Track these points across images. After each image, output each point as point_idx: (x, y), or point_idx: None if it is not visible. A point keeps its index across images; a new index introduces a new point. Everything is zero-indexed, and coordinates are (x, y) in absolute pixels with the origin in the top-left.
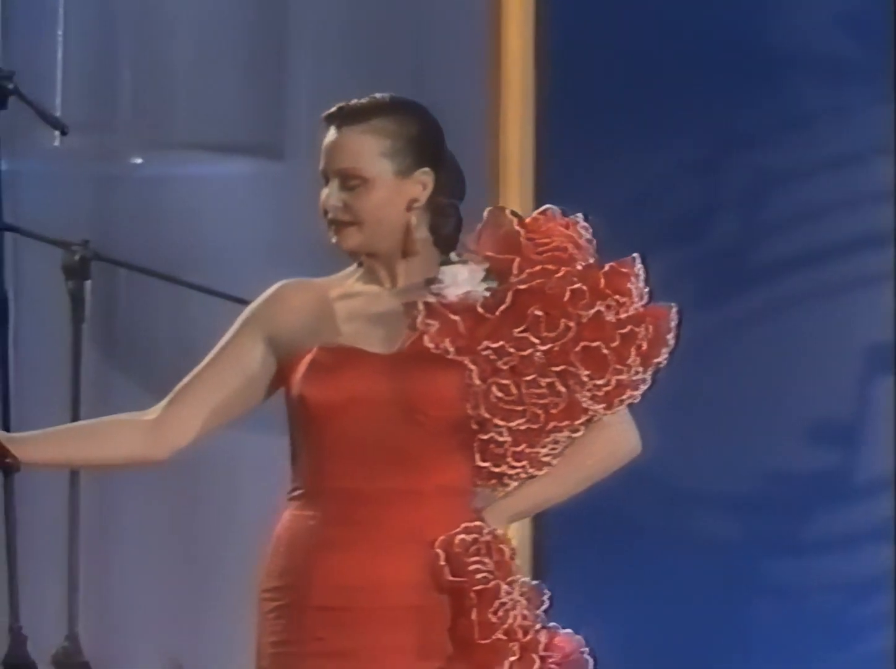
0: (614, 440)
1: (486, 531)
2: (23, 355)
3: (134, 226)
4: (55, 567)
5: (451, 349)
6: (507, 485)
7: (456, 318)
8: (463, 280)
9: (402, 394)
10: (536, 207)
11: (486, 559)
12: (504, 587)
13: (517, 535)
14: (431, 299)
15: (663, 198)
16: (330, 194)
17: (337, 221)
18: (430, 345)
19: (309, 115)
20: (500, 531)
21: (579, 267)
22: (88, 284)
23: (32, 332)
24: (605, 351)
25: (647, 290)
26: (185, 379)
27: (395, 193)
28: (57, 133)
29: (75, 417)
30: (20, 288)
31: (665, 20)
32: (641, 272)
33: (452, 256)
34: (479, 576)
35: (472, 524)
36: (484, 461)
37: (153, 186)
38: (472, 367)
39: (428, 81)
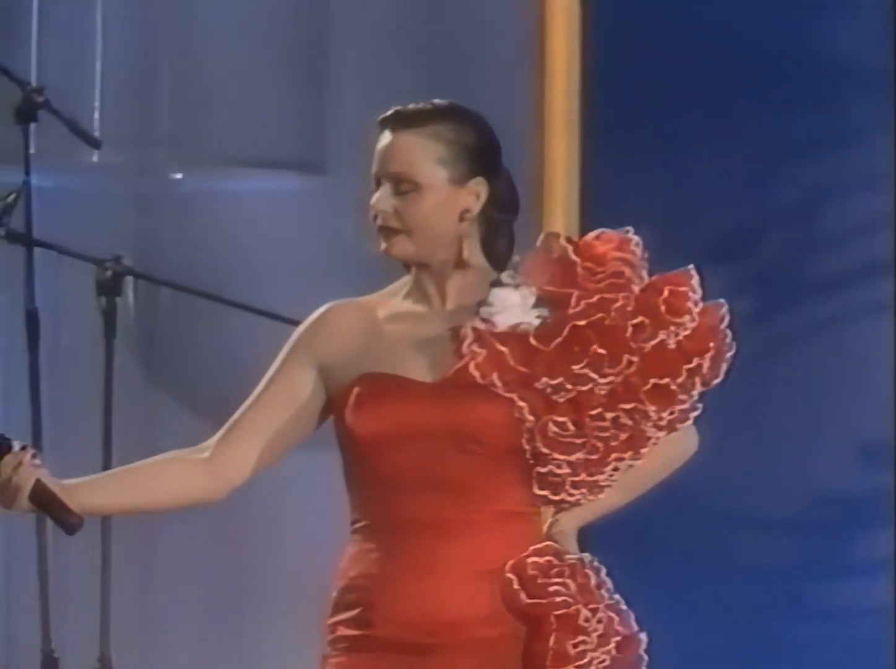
0: (674, 442)
1: (564, 553)
2: (56, 373)
3: (174, 242)
4: (88, 590)
5: (500, 384)
6: (566, 509)
7: (504, 349)
8: (514, 305)
9: (450, 424)
10: (582, 220)
11: (570, 582)
12: (584, 612)
13: None
14: (480, 325)
15: (711, 211)
16: (380, 199)
17: (387, 227)
18: (476, 374)
19: (351, 129)
20: (588, 557)
21: (636, 289)
22: (121, 300)
23: (67, 349)
24: (674, 387)
25: (700, 296)
26: (238, 412)
27: (448, 201)
28: (98, 150)
29: (107, 433)
30: (55, 305)
31: (715, 29)
32: (698, 283)
33: (504, 277)
34: (559, 599)
35: (541, 546)
36: (542, 489)
37: (193, 202)
38: (523, 404)
39: (472, 93)
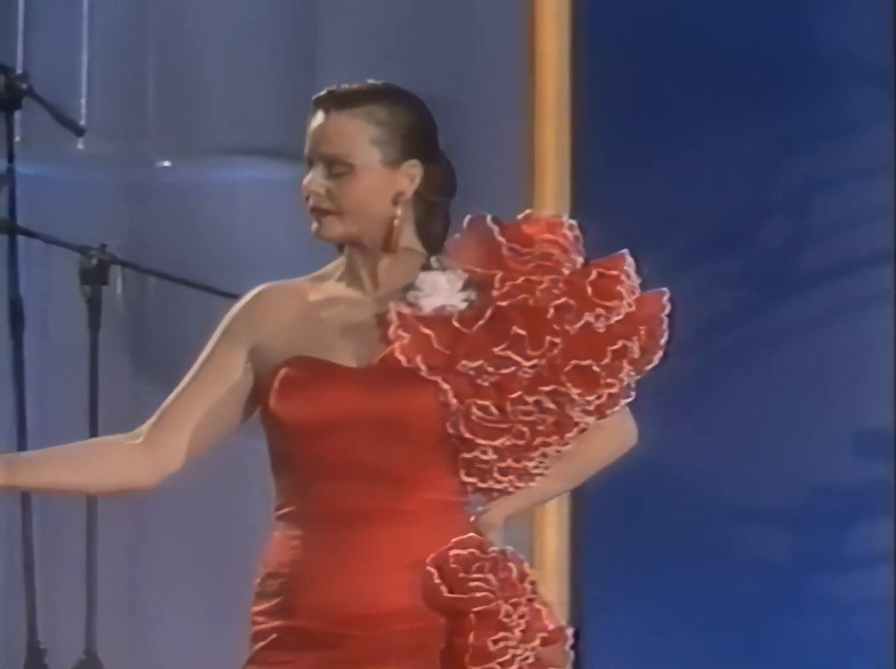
0: (611, 435)
1: (488, 545)
2: (41, 362)
3: (162, 232)
4: (74, 582)
5: (424, 367)
6: (495, 498)
7: (428, 332)
8: (441, 289)
9: (378, 410)
10: (573, 214)
11: (491, 576)
12: (505, 608)
13: (554, 549)
14: (405, 309)
15: (707, 202)
16: (312, 180)
17: (319, 209)
18: (402, 358)
19: None
20: (510, 549)
21: (566, 272)
22: (108, 290)
23: (52, 338)
24: (596, 369)
25: (639, 282)
26: (170, 398)
27: (382, 183)
28: (81, 137)
29: (93, 423)
30: (40, 294)
31: (711, 17)
32: (632, 267)
33: (433, 261)
34: (479, 595)
35: (465, 538)
36: (469, 476)
37: (181, 192)
38: (447, 387)
39: (462, 84)
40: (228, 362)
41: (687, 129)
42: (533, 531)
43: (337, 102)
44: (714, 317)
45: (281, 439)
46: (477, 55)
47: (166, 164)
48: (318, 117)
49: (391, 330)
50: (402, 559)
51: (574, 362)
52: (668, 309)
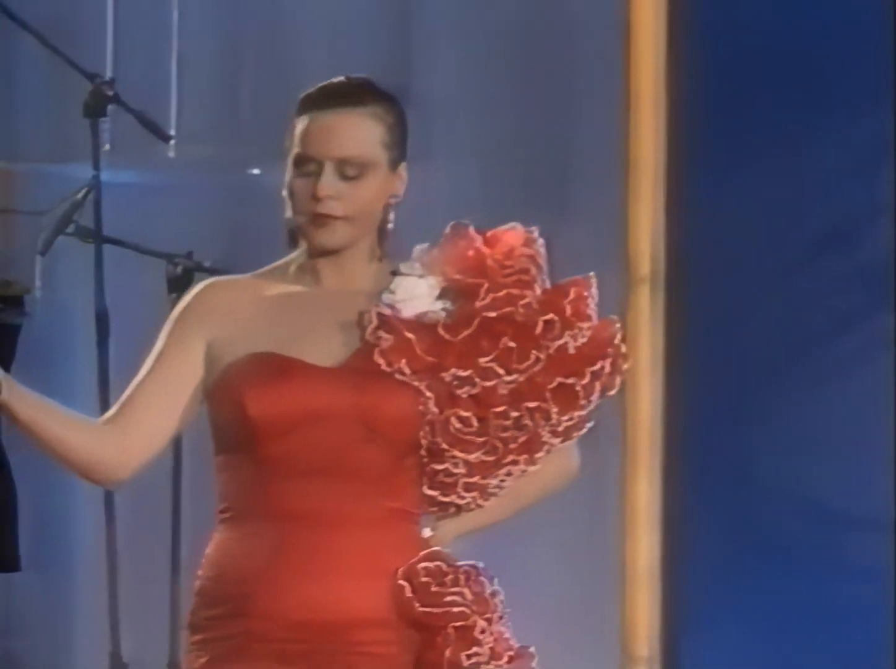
0: (561, 465)
1: (454, 560)
2: (128, 374)
3: (254, 238)
4: (158, 596)
5: (408, 371)
6: (451, 514)
7: (412, 336)
8: (421, 295)
9: (350, 411)
10: (669, 220)
11: (466, 591)
12: (481, 623)
13: (648, 554)
14: (385, 311)
15: (807, 207)
16: (327, 184)
17: (332, 215)
18: (382, 361)
19: (434, 123)
20: (481, 564)
21: (539, 290)
22: None
23: (138, 349)
24: (578, 388)
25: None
26: (129, 391)
27: (385, 186)
28: (172, 144)
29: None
30: (126, 303)
31: (809, 21)
32: (596, 292)
33: (404, 267)
34: (456, 610)
35: (431, 551)
36: (432, 489)
37: (272, 199)
38: (430, 394)
39: (559, 86)
40: (187, 355)
41: (787, 130)
42: (624, 541)
43: (341, 99)
44: (816, 323)
45: (242, 435)
46: (576, 57)
47: (256, 171)
48: (325, 115)
49: (369, 331)
50: (363, 567)
51: (559, 379)
52: (619, 336)
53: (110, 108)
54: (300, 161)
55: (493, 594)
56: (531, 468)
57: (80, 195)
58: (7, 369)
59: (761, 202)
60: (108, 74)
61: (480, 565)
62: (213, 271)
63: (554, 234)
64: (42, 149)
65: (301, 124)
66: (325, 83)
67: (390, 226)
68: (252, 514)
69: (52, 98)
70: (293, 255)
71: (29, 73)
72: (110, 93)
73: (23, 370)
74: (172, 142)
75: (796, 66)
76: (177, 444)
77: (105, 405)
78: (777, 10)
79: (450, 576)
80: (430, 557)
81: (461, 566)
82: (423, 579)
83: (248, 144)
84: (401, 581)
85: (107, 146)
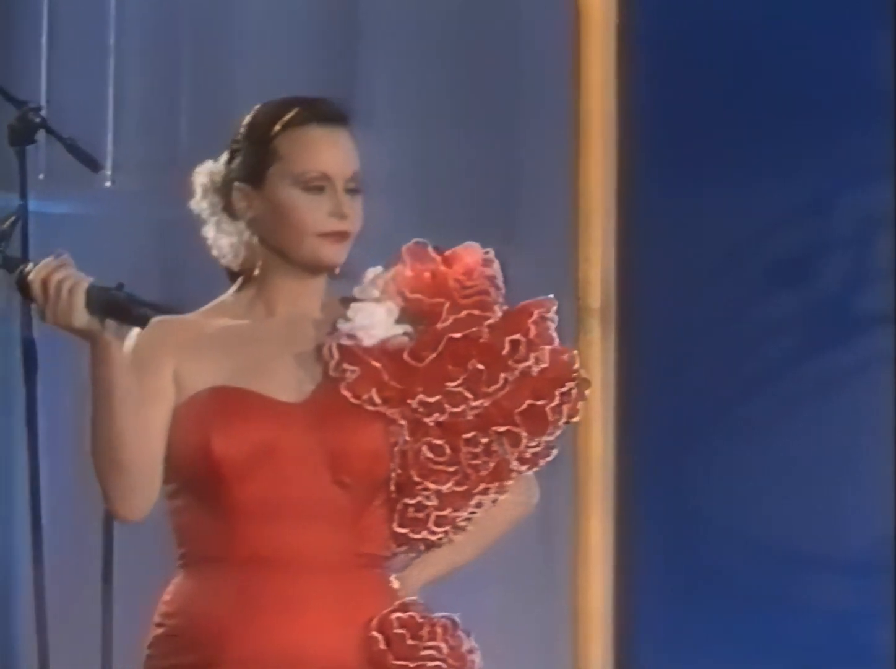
0: (520, 497)
1: (429, 611)
2: (55, 406)
3: (190, 270)
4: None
5: (378, 401)
6: (419, 552)
7: (378, 365)
8: (379, 321)
9: (320, 449)
10: (620, 254)
11: (442, 644)
12: None
13: (603, 598)
14: (345, 341)
15: (761, 243)
16: (346, 201)
17: (347, 233)
18: (349, 394)
19: (372, 150)
20: (457, 617)
21: (498, 311)
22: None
23: (66, 381)
24: (547, 410)
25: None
26: None
27: None
28: (108, 174)
29: None
30: (54, 335)
31: (767, 47)
32: (555, 315)
33: (358, 291)
34: (431, 665)
35: (406, 601)
36: (402, 526)
37: None
38: (403, 422)
39: (509, 108)
40: (162, 387)
41: (739, 159)
42: (577, 582)
43: (339, 118)
44: (769, 360)
45: (202, 474)
46: (523, 78)
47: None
48: (326, 131)
49: (332, 365)
50: (333, 615)
51: (529, 401)
52: (577, 363)
53: (43, 136)
54: (312, 181)
55: (471, 650)
56: (501, 497)
57: (6, 225)
58: None
59: (714, 232)
60: (43, 101)
61: (457, 617)
62: (141, 304)
63: (502, 262)
64: None
65: (305, 138)
66: (304, 98)
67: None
68: (214, 559)
69: None
70: (232, 289)
71: None
72: (38, 119)
73: None
74: (108, 172)
75: (749, 94)
76: None
77: (34, 439)
78: (731, 29)
79: (426, 628)
80: (404, 607)
81: (437, 618)
82: (398, 630)
83: (187, 175)
84: (374, 633)
85: (41, 175)
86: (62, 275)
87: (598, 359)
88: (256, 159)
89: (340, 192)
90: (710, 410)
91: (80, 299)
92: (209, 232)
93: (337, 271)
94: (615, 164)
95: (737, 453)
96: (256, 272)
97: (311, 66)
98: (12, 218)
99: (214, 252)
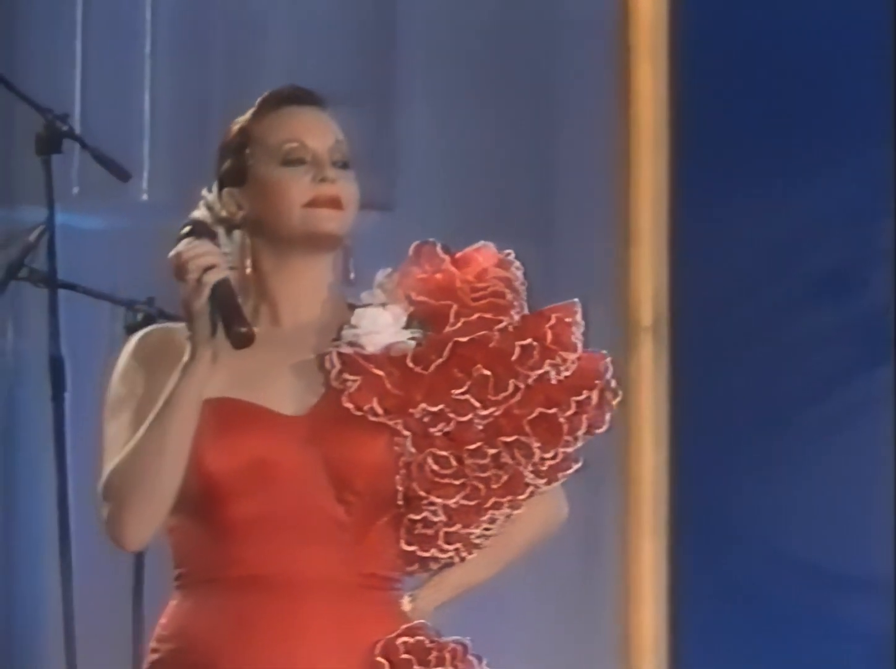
0: (546, 512)
1: (438, 635)
2: (82, 424)
3: None
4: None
5: (380, 411)
6: (430, 570)
7: (381, 373)
8: (385, 326)
9: (321, 464)
10: (671, 269)
11: None
12: None
13: (649, 616)
14: (346, 349)
15: (806, 252)
16: (327, 167)
17: (337, 197)
18: (350, 405)
19: (422, 166)
20: (468, 641)
21: (516, 315)
22: None
23: (94, 400)
24: (562, 419)
25: (582, 338)
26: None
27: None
28: (144, 185)
29: None
30: (84, 352)
31: (812, 60)
32: (581, 320)
33: (365, 296)
34: None
35: (413, 625)
36: (410, 544)
37: None
38: (407, 433)
39: (551, 135)
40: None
41: (792, 170)
42: (626, 606)
43: (309, 98)
44: (820, 375)
45: (196, 491)
46: (565, 98)
47: None
48: (303, 110)
49: (333, 374)
50: (335, 640)
51: (540, 409)
52: (610, 371)
53: (77, 149)
54: (291, 152)
55: None
56: (515, 512)
57: (32, 237)
58: None
59: (766, 244)
60: (77, 112)
61: (468, 642)
62: (172, 318)
63: (546, 279)
64: None
65: (279, 118)
66: (284, 86)
67: (349, 243)
68: (211, 580)
69: (5, 136)
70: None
71: None
72: (64, 127)
73: None
74: (143, 184)
75: (798, 104)
76: None
77: (61, 460)
78: (780, 37)
79: (434, 654)
80: (411, 631)
81: (446, 642)
82: (404, 656)
83: None
84: (379, 658)
85: (75, 189)
86: (206, 260)
87: (649, 376)
88: (236, 156)
89: (325, 161)
90: (762, 426)
91: (207, 288)
92: None
93: (352, 275)
94: (666, 177)
95: (788, 470)
96: (248, 271)
97: (348, 69)
98: (39, 229)
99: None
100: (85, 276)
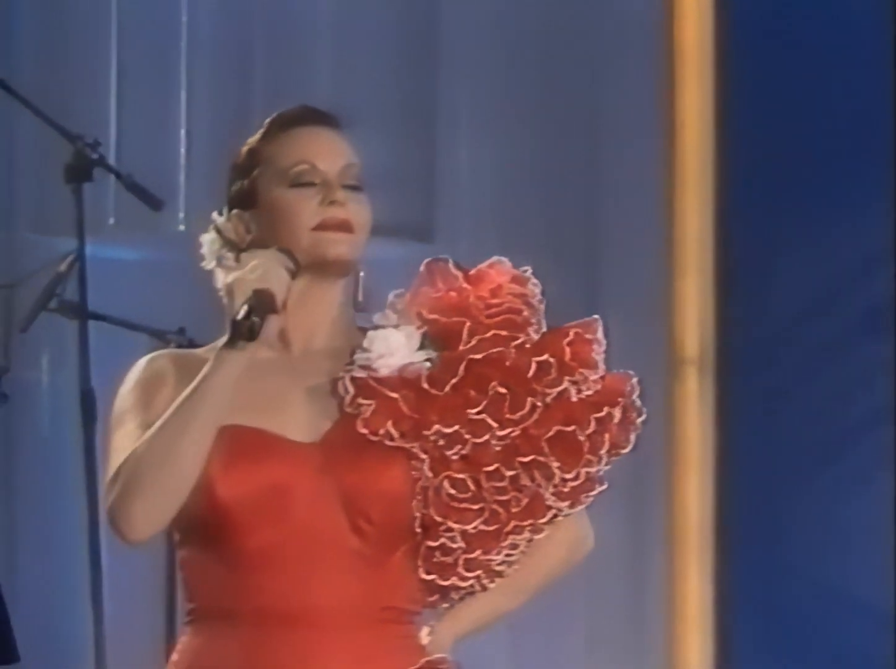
0: (569, 539)
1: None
2: None
3: None
4: None
5: (396, 434)
6: (451, 600)
7: (395, 396)
8: (398, 348)
9: (335, 492)
10: (717, 301)
11: None
12: None
13: (696, 644)
14: (360, 373)
15: (855, 287)
16: (338, 189)
17: (347, 220)
18: (365, 431)
19: (461, 196)
20: None
21: (533, 333)
22: None
23: None
24: (581, 438)
25: (604, 357)
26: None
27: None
28: (181, 216)
29: None
30: (113, 380)
31: (856, 91)
32: (603, 337)
33: (378, 318)
34: None
35: (434, 658)
36: (429, 573)
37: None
38: (424, 456)
39: (601, 162)
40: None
41: (841, 201)
42: (673, 644)
43: (325, 120)
44: (869, 408)
45: (208, 521)
46: (610, 119)
47: None
48: (314, 131)
49: (347, 400)
50: None
51: (557, 427)
52: (636, 391)
53: (113, 180)
54: (301, 175)
55: None
56: (537, 537)
57: (63, 266)
58: None
59: (812, 276)
60: (112, 141)
61: None
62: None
63: (591, 308)
64: (29, 217)
65: (288, 139)
66: (295, 106)
67: (361, 273)
68: (224, 614)
69: (41, 165)
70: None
71: (20, 139)
72: (94, 155)
73: (1, 459)
74: (181, 215)
75: (848, 134)
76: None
77: (93, 492)
78: (832, 63)
79: None
80: (430, 665)
81: None
82: None
83: None
84: None
85: (111, 220)
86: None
87: (694, 410)
88: (245, 178)
89: (334, 184)
90: (809, 457)
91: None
92: (218, 281)
93: (360, 296)
94: (713, 206)
95: (835, 501)
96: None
97: (392, 88)
98: (69, 259)
99: (225, 300)
100: (117, 306)
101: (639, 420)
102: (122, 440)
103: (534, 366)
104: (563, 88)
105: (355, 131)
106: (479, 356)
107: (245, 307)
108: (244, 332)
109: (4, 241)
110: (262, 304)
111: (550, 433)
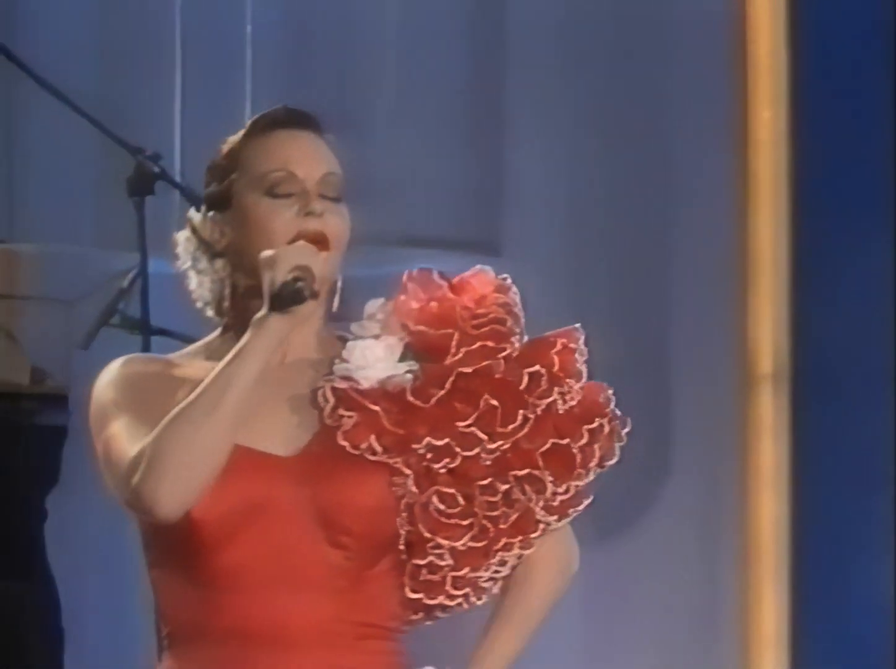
0: (559, 558)
1: None
2: None
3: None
4: None
5: (379, 449)
6: (436, 619)
7: (377, 408)
8: (378, 359)
9: (313, 507)
10: (792, 316)
11: None
12: None
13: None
14: (340, 384)
15: None
16: (317, 200)
17: (325, 233)
18: (346, 444)
19: (527, 210)
20: None
21: (516, 342)
22: None
23: None
24: (575, 450)
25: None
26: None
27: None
28: None
29: None
30: None
31: None
32: (584, 347)
33: (356, 328)
34: None
35: None
36: (416, 591)
37: (358, 287)
38: (408, 471)
39: (672, 177)
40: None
41: None
42: (748, 661)
43: (307, 123)
44: None
45: (180, 540)
46: (678, 134)
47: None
48: (295, 135)
49: (327, 411)
50: None
51: (552, 440)
52: (612, 402)
53: (178, 192)
54: (277, 182)
55: None
56: (526, 553)
57: (125, 282)
58: (53, 482)
59: (884, 294)
60: (177, 153)
61: None
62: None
63: (662, 327)
64: (91, 232)
65: (268, 143)
66: (277, 107)
67: (339, 283)
68: (199, 637)
69: (103, 178)
70: (219, 329)
71: (82, 153)
72: (156, 169)
73: (69, 480)
74: None
75: None
76: None
77: None
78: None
79: None
80: None
81: None
82: None
83: None
84: None
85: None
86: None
87: (769, 427)
88: (222, 180)
89: (312, 194)
90: (884, 477)
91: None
92: (191, 283)
93: (335, 306)
94: (786, 223)
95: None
96: (226, 304)
97: (460, 100)
98: (132, 274)
99: (198, 303)
100: (180, 321)
101: (623, 431)
102: (122, 428)
103: (525, 378)
104: (634, 100)
105: (422, 143)
106: (468, 370)
107: (291, 275)
108: (291, 294)
109: (67, 256)
110: (307, 277)
111: (545, 447)
